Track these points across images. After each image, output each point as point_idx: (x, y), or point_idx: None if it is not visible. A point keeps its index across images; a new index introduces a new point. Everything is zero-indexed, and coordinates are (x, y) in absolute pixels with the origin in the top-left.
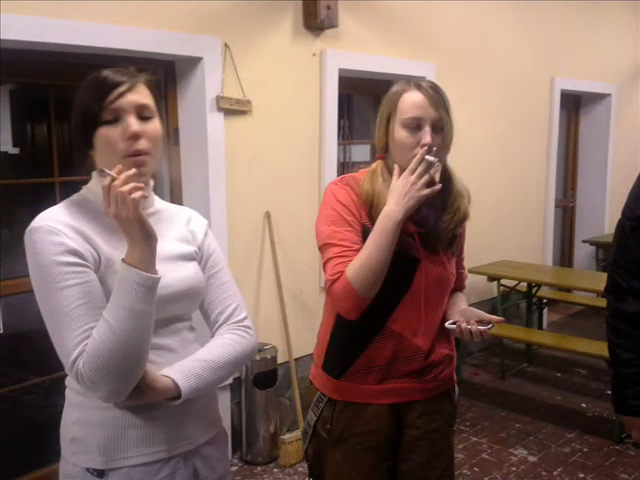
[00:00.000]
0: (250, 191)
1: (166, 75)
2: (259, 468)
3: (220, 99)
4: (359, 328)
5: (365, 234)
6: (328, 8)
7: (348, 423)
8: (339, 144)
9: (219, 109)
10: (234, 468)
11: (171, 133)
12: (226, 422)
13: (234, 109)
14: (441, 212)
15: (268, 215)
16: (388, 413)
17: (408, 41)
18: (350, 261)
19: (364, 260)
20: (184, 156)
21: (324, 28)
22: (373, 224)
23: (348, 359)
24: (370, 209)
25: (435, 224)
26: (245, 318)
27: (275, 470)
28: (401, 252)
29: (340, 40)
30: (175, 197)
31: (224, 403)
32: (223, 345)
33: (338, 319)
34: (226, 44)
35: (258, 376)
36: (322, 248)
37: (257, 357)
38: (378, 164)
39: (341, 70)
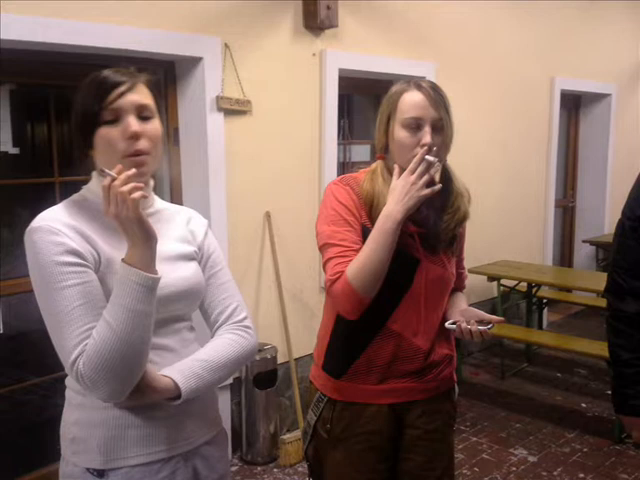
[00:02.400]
0: (250, 191)
1: (166, 75)
2: (259, 468)
3: (220, 99)
4: (359, 328)
5: (365, 234)
6: (328, 8)
7: (348, 423)
8: (339, 144)
9: (219, 109)
10: (234, 468)
11: (171, 133)
12: (226, 422)
13: (234, 109)
14: (441, 212)
15: (268, 215)
16: (388, 413)
17: (408, 41)
18: (350, 261)
19: (364, 260)
20: (184, 156)
21: (324, 28)
22: (373, 224)
23: (348, 359)
24: (370, 209)
25: (435, 224)
26: (245, 318)
27: (275, 470)
28: (401, 252)
29: (340, 40)
30: (175, 197)
31: (224, 403)
32: (223, 345)
33: (338, 319)
34: (226, 44)
35: (258, 376)
36: (322, 248)
37: (257, 357)
38: (378, 164)
39: (341, 70)
